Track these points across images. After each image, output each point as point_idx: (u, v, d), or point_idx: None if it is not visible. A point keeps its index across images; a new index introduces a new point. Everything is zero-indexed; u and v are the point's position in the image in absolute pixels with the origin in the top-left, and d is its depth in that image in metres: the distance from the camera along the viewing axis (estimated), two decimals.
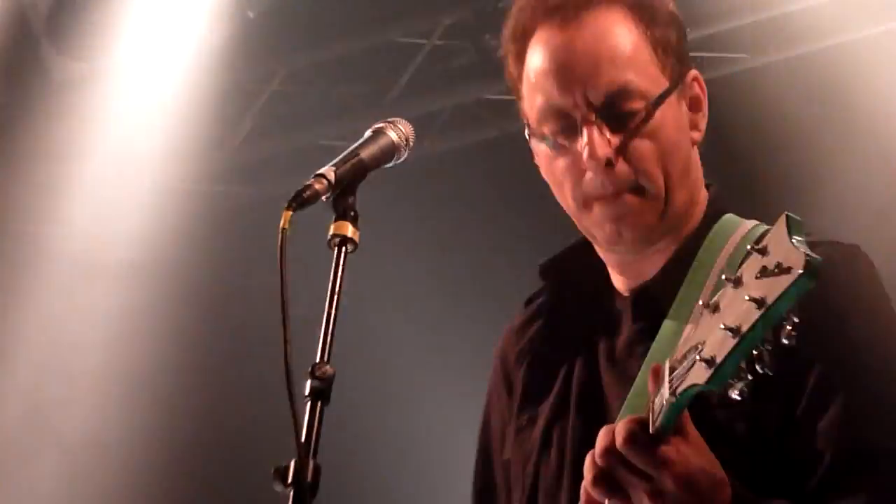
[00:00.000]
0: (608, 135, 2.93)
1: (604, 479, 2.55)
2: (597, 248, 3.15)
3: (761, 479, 2.81)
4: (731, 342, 2.23)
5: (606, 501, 2.58)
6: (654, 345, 2.88)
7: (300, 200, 2.69)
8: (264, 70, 8.42)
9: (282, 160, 8.13)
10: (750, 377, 2.26)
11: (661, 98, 2.98)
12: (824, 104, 7.86)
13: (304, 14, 7.92)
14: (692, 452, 2.54)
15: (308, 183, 2.74)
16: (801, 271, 2.14)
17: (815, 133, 7.81)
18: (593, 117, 2.95)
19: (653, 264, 3.07)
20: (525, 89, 3.09)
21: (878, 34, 7.94)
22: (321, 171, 2.78)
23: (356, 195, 2.80)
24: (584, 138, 2.94)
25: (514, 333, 3.30)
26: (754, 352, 2.23)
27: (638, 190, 2.95)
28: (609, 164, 2.91)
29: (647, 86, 2.98)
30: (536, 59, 3.06)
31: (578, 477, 2.76)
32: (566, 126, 2.99)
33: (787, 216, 2.26)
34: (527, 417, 3.16)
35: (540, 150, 3.06)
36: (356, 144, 2.91)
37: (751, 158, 7.82)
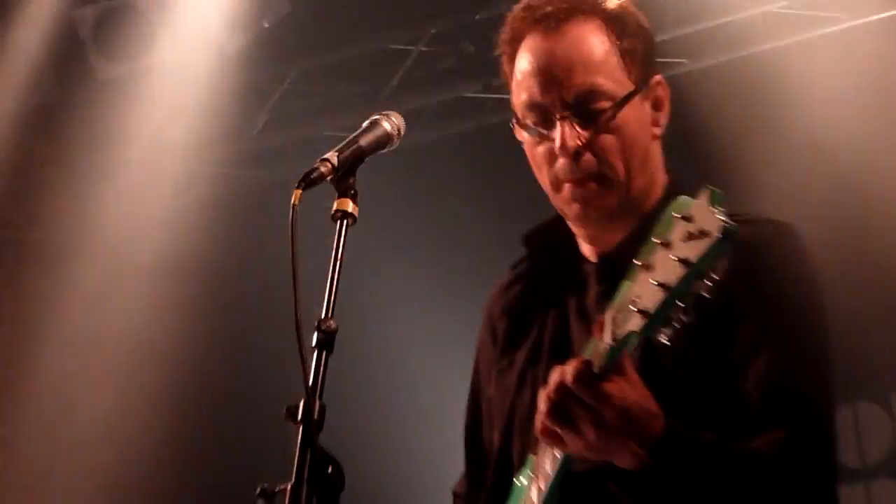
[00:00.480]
0: (578, 129, 3.01)
1: (556, 410, 2.60)
2: (568, 221, 3.21)
3: (699, 417, 2.82)
4: (661, 295, 2.34)
5: (558, 429, 2.62)
6: (615, 298, 2.72)
7: (308, 180, 2.78)
8: (277, 72, 8.47)
9: (292, 148, 8.18)
10: (677, 325, 2.37)
11: (625, 100, 3.04)
12: (754, 103, 7.77)
13: (311, 24, 7.96)
14: (629, 389, 2.59)
15: (315, 166, 2.82)
16: (718, 235, 2.27)
17: (747, 128, 7.73)
18: (566, 114, 3.02)
19: (615, 236, 3.12)
20: (514, 85, 3.17)
21: (799, 42, 7.82)
22: (326, 155, 2.85)
23: (356, 176, 2.89)
24: (558, 131, 3.02)
25: (500, 292, 3.39)
26: (681, 303, 2.33)
27: (601, 178, 3.04)
28: (577, 154, 3.01)
29: (613, 88, 3.04)
30: (523, 61, 3.12)
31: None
32: (544, 119, 3.06)
33: (710, 190, 2.36)
34: (507, 361, 3.23)
35: (524, 137, 3.13)
36: (355, 133, 3.00)
37: (690, 151, 7.69)
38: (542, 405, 2.63)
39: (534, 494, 2.81)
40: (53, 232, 8.73)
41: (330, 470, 2.55)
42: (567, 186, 3.04)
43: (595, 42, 3.09)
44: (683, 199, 2.72)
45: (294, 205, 2.71)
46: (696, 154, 7.66)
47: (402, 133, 3.05)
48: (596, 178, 3.02)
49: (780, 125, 7.74)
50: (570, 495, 2.80)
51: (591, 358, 2.56)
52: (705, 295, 2.33)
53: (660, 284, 2.33)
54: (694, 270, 2.30)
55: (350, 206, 2.81)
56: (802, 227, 7.46)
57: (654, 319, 2.35)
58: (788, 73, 7.85)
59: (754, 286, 2.64)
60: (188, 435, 8.03)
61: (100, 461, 8.04)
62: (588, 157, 3.00)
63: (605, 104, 3.02)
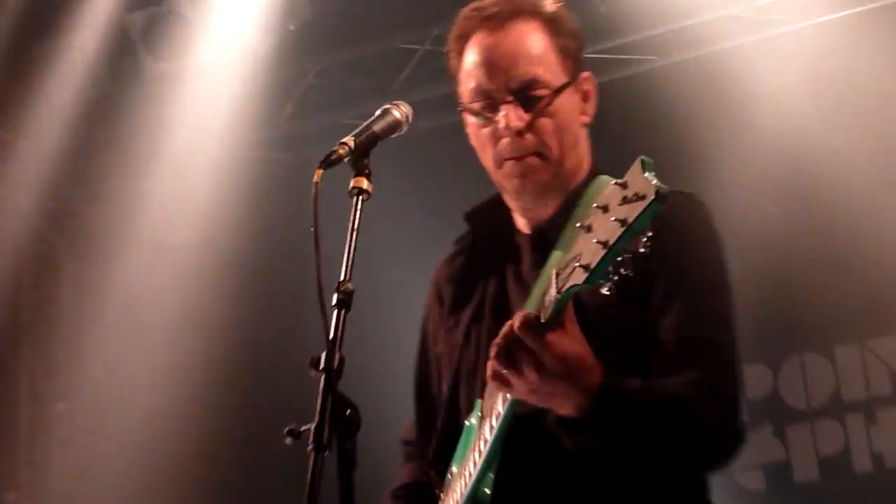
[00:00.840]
0: (520, 112, 3.08)
1: (503, 354, 2.60)
2: (505, 197, 3.27)
3: (624, 364, 2.84)
4: (602, 251, 2.32)
5: (504, 371, 2.62)
6: (546, 265, 2.86)
7: (328, 161, 2.82)
8: (301, 68, 8.47)
9: (315, 134, 8.13)
10: (615, 278, 2.35)
11: (561, 88, 3.13)
12: (716, 95, 7.76)
13: (330, 27, 8.02)
14: (570, 341, 2.60)
15: (334, 149, 2.85)
16: (653, 197, 2.24)
17: (709, 116, 7.72)
18: (510, 99, 3.09)
19: (546, 210, 3.18)
20: (462, 76, 3.23)
21: (753, 42, 7.81)
22: (344, 139, 2.88)
23: (369, 158, 2.91)
24: (503, 113, 3.08)
25: (445, 263, 3.43)
26: (619, 259, 2.32)
27: (539, 155, 3.10)
28: (519, 133, 3.07)
29: (550, 79, 3.12)
30: (472, 54, 3.18)
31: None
32: (490, 104, 3.13)
33: (642, 159, 2.32)
34: (453, 321, 3.26)
35: (470, 121, 3.21)
36: (370, 120, 3.01)
37: (658, 138, 7.70)
38: (492, 350, 2.64)
39: (486, 431, 2.83)
40: (110, 206, 8.74)
41: (348, 413, 2.56)
42: (509, 163, 3.09)
43: (535, 39, 3.15)
44: (605, 179, 2.80)
45: (316, 182, 2.75)
46: (664, 137, 7.67)
47: (411, 120, 3.08)
48: (535, 155, 3.07)
49: (739, 114, 7.74)
50: (517, 437, 2.82)
51: (538, 311, 2.58)
52: (642, 251, 2.32)
53: (599, 242, 2.31)
54: (631, 229, 2.27)
55: (365, 184, 2.83)
56: (759, 201, 7.49)
57: (596, 273, 2.33)
58: (745, 68, 7.93)
59: (666, 248, 2.55)
60: (227, 382, 8.01)
61: (146, 406, 8.04)
62: (529, 136, 3.06)
63: (544, 92, 3.09)
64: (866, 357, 8.05)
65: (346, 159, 2.84)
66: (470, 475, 2.85)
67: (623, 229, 2.27)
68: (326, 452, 2.53)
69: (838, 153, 7.51)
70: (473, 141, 3.24)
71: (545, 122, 3.08)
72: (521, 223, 3.24)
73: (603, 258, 2.31)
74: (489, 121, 3.12)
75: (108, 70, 8.37)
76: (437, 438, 3.17)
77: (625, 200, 2.29)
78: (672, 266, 2.88)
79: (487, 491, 2.82)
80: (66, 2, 7.89)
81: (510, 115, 3.07)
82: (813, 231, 7.70)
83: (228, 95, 8.28)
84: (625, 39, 8.18)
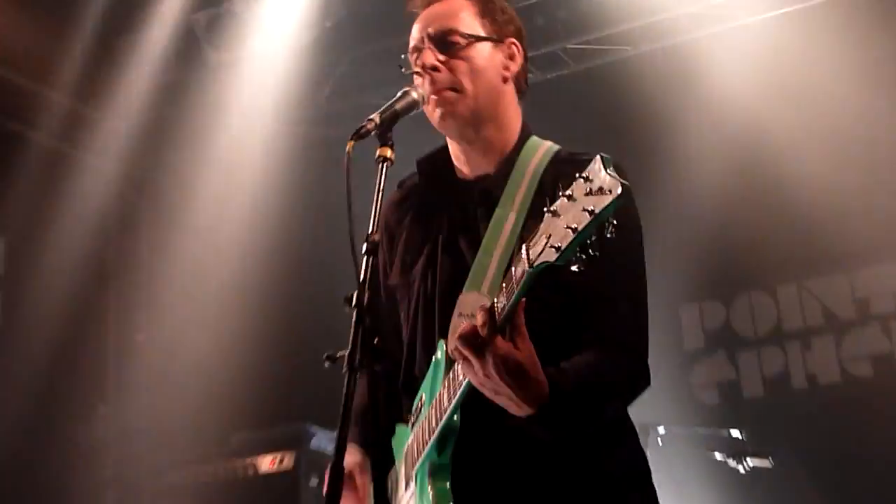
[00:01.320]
0: (436, 54, 3.04)
1: (463, 341, 2.49)
2: (449, 143, 3.22)
3: (569, 333, 2.83)
4: (572, 235, 2.25)
5: (464, 355, 2.51)
6: (492, 224, 2.95)
7: (359, 134, 2.80)
8: (337, 57, 8.38)
9: (348, 112, 8.01)
10: (583, 257, 2.28)
11: (475, 38, 3.07)
12: (679, 78, 7.76)
13: (359, 23, 7.99)
14: (516, 352, 2.48)
15: (363, 123, 2.82)
16: (619, 192, 2.20)
17: (673, 97, 7.68)
18: (429, 44, 3.05)
19: (487, 162, 3.11)
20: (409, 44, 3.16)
21: (710, 34, 7.77)
22: (371, 116, 2.84)
23: (392, 131, 2.86)
24: (421, 55, 3.06)
25: (394, 206, 3.30)
26: (586, 242, 2.27)
27: (454, 89, 3.02)
28: (435, 69, 3.01)
29: (467, 32, 3.06)
30: (415, 25, 3.15)
31: (444, 300, 3.00)
32: (417, 56, 3.07)
33: (602, 157, 2.28)
34: (410, 259, 3.16)
35: (416, 80, 3.05)
36: (392, 100, 2.94)
37: (631, 114, 7.68)
38: (457, 334, 2.53)
39: (458, 372, 2.64)
40: (179, 172, 8.77)
41: (375, 341, 2.55)
42: (432, 99, 3.01)
43: (459, 5, 3.10)
44: (551, 146, 3.10)
45: (348, 152, 2.74)
46: (636, 113, 7.65)
47: (426, 101, 3.01)
48: (450, 89, 3.00)
49: (698, 93, 7.71)
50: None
51: (507, 283, 2.48)
52: (608, 236, 2.27)
53: (569, 227, 2.24)
54: (597, 217, 2.22)
55: (389, 153, 2.80)
56: (715, 168, 7.49)
57: (565, 253, 2.26)
58: (703, 57, 7.87)
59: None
60: (277, 317, 8.05)
61: (210, 334, 8.07)
62: (444, 73, 3.00)
63: (459, 39, 3.04)
64: (802, 294, 8.08)
65: (373, 132, 2.80)
66: (442, 408, 2.72)
67: (591, 218, 2.23)
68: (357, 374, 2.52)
69: (781, 127, 7.55)
70: None
71: (458, 63, 3.02)
72: (466, 170, 3.17)
73: (573, 241, 2.25)
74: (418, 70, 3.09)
75: (177, 60, 8.37)
76: (404, 367, 3.09)
77: (590, 193, 2.24)
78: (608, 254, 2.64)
79: (457, 419, 2.71)
80: (144, 4, 7.94)
81: (426, 55, 3.04)
82: (760, 193, 7.74)
83: (276, 80, 8.24)
84: (602, 33, 8.06)
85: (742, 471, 6.49)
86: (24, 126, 8.32)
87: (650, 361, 2.90)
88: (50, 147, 8.34)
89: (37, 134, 8.32)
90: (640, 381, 2.87)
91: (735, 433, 6.65)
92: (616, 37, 8.12)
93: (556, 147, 3.08)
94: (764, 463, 6.50)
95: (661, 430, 6.31)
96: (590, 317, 2.86)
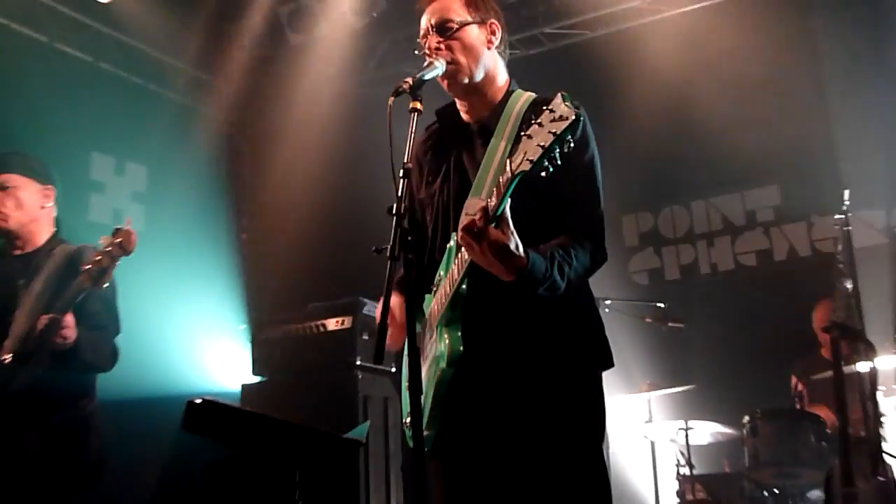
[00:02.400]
0: (437, 38, 2.98)
1: (467, 230, 2.53)
2: (457, 101, 3.15)
3: (543, 225, 2.82)
4: (541, 150, 2.31)
5: (467, 239, 2.55)
6: (488, 150, 2.90)
7: (397, 92, 2.72)
8: (381, 36, 8.33)
9: (390, 77, 7.96)
10: (550, 167, 2.34)
11: (464, 24, 3.02)
12: (625, 55, 7.66)
13: (396, 13, 7.80)
14: (502, 237, 2.51)
15: (400, 84, 2.74)
16: (573, 118, 2.29)
17: (622, 68, 7.61)
18: (431, 31, 3.00)
19: (483, 108, 3.07)
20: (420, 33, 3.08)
21: (649, 22, 7.66)
22: (406, 79, 2.77)
23: (421, 89, 2.77)
24: (429, 39, 3.00)
25: (422, 143, 3.21)
26: (552, 154, 2.32)
27: (452, 63, 2.97)
28: (437, 49, 2.96)
29: (459, 19, 3.00)
30: (422, 18, 3.06)
31: (455, 205, 2.97)
32: (427, 40, 3.01)
33: (562, 93, 2.35)
34: (431, 178, 3.11)
35: (425, 55, 3.00)
36: (420, 68, 2.89)
37: (589, 79, 7.58)
38: (461, 225, 2.58)
39: (464, 254, 2.66)
40: (270, 121, 8.68)
41: (409, 238, 2.54)
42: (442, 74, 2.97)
43: (453, 3, 3.02)
44: (531, 95, 3.03)
45: (390, 105, 2.68)
46: (592, 79, 7.56)
47: (445, 67, 2.95)
48: (450, 63, 2.94)
49: (639, 65, 7.63)
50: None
51: (496, 187, 2.50)
52: (566, 150, 2.34)
53: (539, 145, 2.31)
54: (558, 137, 2.29)
55: (418, 105, 2.72)
56: (651, 119, 7.44)
57: (536, 164, 2.32)
58: (644, 38, 7.78)
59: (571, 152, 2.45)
60: (337, 221, 8.02)
61: (295, 232, 8.10)
62: (445, 52, 2.95)
63: (453, 25, 2.97)
64: (708, 208, 8.04)
65: (407, 91, 2.73)
66: (454, 279, 2.74)
67: (553, 138, 2.29)
68: (398, 262, 2.52)
69: (698, 87, 7.44)
70: None
71: (454, 43, 2.96)
72: (467, 116, 3.11)
73: (541, 154, 2.31)
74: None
75: (268, 40, 8.35)
76: (428, 253, 3.06)
77: (553, 119, 2.31)
78: (574, 154, 2.60)
79: (465, 287, 2.72)
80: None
81: (430, 39, 2.98)
82: (680, 135, 7.68)
83: (338, 55, 8.16)
84: (570, 20, 8.04)
85: (663, 330, 6.54)
86: (160, 87, 8.32)
87: None
88: (178, 101, 8.36)
89: (169, 92, 8.32)
90: (598, 256, 2.86)
91: (659, 304, 6.68)
92: (580, 24, 8.07)
93: (535, 95, 3.05)
94: (679, 325, 6.54)
95: (608, 302, 6.34)
96: (562, 213, 2.85)
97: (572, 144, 2.34)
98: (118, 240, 3.74)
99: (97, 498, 4.34)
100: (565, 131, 2.30)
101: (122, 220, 3.80)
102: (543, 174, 2.36)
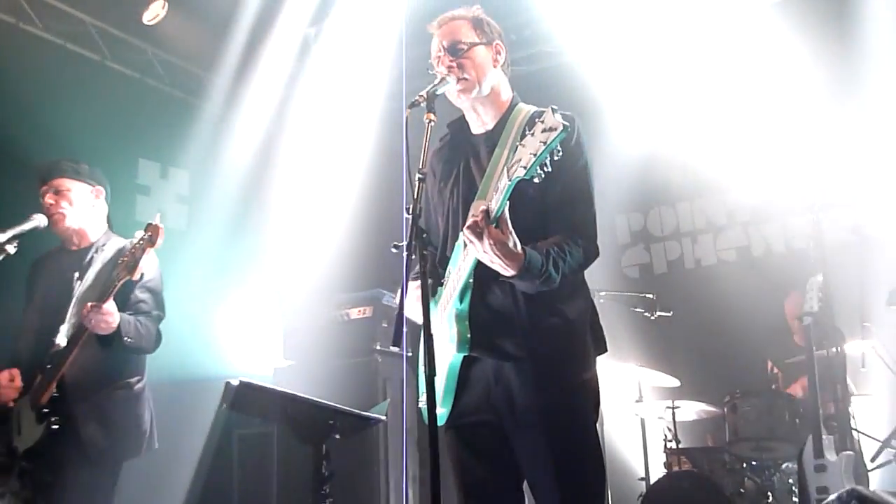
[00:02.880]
0: (448, 57, 2.97)
1: (470, 228, 2.57)
2: (464, 112, 3.13)
3: (539, 226, 2.83)
4: (533, 158, 2.36)
5: (470, 238, 2.59)
6: (493, 158, 2.91)
7: (413, 104, 2.75)
8: (397, 55, 8.02)
9: (409, 91, 7.66)
10: (542, 173, 2.38)
11: (472, 44, 3.00)
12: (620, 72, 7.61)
13: (413, 34, 7.51)
14: (501, 235, 2.55)
15: (415, 98, 2.77)
16: (560, 129, 2.33)
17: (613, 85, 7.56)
18: (443, 51, 2.99)
19: (489, 121, 3.06)
20: (431, 53, 3.07)
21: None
22: (421, 93, 2.79)
23: (434, 102, 2.79)
24: (441, 59, 2.99)
25: (436, 152, 3.19)
26: (543, 161, 2.36)
27: (463, 79, 2.96)
28: (450, 67, 2.95)
29: (468, 41, 3.00)
30: (433, 40, 3.06)
31: (463, 207, 2.96)
32: (438, 60, 3.01)
33: (552, 107, 2.39)
34: (443, 184, 3.10)
35: (437, 73, 3.00)
36: (433, 83, 2.90)
37: (586, 95, 7.52)
38: (467, 224, 2.60)
39: (471, 252, 2.67)
40: (299, 132, 8.51)
41: (424, 236, 2.58)
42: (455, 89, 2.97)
43: (461, 24, 3.04)
44: (533, 108, 3.00)
45: (406, 116, 2.70)
46: (589, 93, 7.54)
47: (454, 83, 2.96)
48: (461, 79, 2.94)
49: (632, 88, 7.61)
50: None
51: (493, 192, 2.55)
52: (555, 158, 2.37)
53: (531, 153, 2.36)
54: (547, 147, 2.34)
55: (433, 116, 2.73)
56: (640, 125, 7.34)
57: (529, 170, 2.37)
58: (634, 61, 7.69)
59: (563, 148, 2.48)
60: (364, 219, 7.95)
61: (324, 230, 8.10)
62: (456, 70, 2.94)
63: (463, 46, 2.97)
64: (693, 208, 8.02)
65: (422, 104, 2.75)
66: (461, 273, 2.76)
67: (543, 147, 2.34)
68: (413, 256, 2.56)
69: (680, 103, 7.42)
70: None
71: (464, 62, 2.96)
72: (475, 127, 3.10)
73: (533, 162, 2.36)
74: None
75: (296, 58, 8.31)
76: (440, 251, 3.05)
77: (544, 130, 2.35)
78: (564, 168, 2.70)
79: (471, 280, 2.74)
80: (275, 20, 7.82)
81: (443, 59, 2.98)
82: (667, 144, 7.66)
83: (361, 71, 8.08)
84: (563, 40, 8.00)
85: (651, 318, 6.53)
86: (198, 99, 8.32)
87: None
88: (216, 112, 8.34)
89: (206, 103, 8.32)
90: (590, 252, 2.87)
91: (649, 295, 6.66)
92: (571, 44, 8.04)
93: (535, 108, 3.05)
94: (667, 314, 6.53)
95: (603, 293, 6.33)
96: (558, 213, 2.85)
97: (561, 152, 2.39)
98: (149, 234, 3.85)
99: (147, 466, 4.42)
100: (554, 141, 2.34)
101: (166, 221, 3.87)
102: (536, 180, 2.40)
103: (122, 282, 3.83)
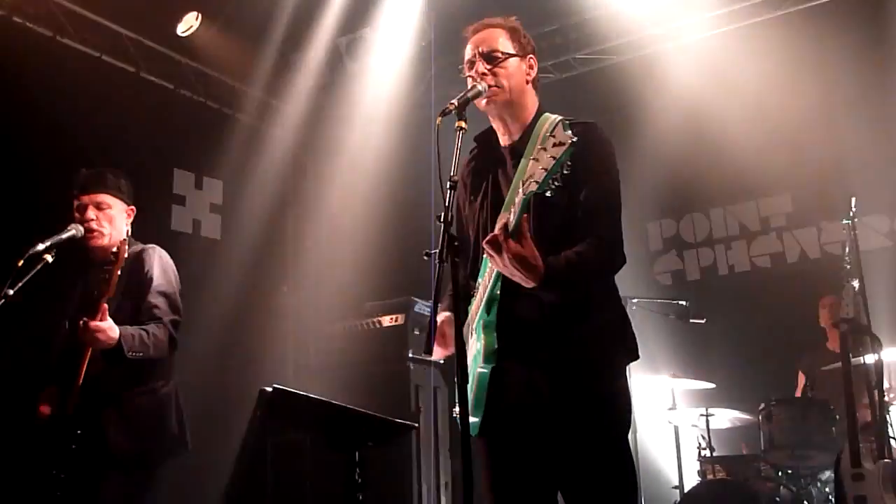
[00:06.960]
0: (484, 64, 2.96)
1: (490, 243, 2.56)
2: (491, 123, 3.11)
3: (565, 227, 2.82)
4: (544, 173, 2.37)
5: (491, 252, 2.58)
6: (519, 170, 2.86)
7: (444, 112, 2.72)
8: (428, 64, 8.17)
9: (437, 99, 7.85)
10: (554, 187, 2.39)
11: (509, 55, 3.00)
12: (650, 76, 7.59)
13: (441, 42, 7.77)
14: (520, 248, 2.54)
15: (446, 106, 2.74)
16: (569, 144, 2.35)
17: (647, 89, 7.56)
18: (479, 58, 2.98)
19: (516, 132, 3.04)
20: (465, 58, 3.05)
21: (671, 47, 7.59)
22: (452, 101, 2.77)
23: (465, 111, 2.78)
24: (474, 65, 2.98)
25: (466, 164, 3.17)
26: (554, 176, 2.37)
27: (497, 86, 2.94)
28: (484, 75, 2.94)
29: (504, 51, 2.99)
30: (467, 46, 3.03)
31: (493, 220, 2.92)
32: (471, 64, 3.00)
33: (562, 121, 2.44)
34: (473, 197, 3.09)
35: (468, 80, 2.98)
36: (464, 91, 2.87)
37: (616, 99, 7.53)
38: (487, 240, 2.60)
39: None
40: (331, 138, 8.61)
41: (455, 243, 2.53)
42: (483, 95, 2.94)
43: (498, 33, 3.02)
44: (557, 117, 2.95)
45: (437, 124, 2.68)
46: (620, 99, 7.53)
47: (486, 91, 2.92)
48: (494, 86, 2.92)
49: (662, 86, 7.59)
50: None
51: (511, 206, 2.55)
52: (566, 172, 2.38)
53: (543, 168, 2.37)
54: (557, 161, 2.36)
55: (463, 124, 2.74)
56: (672, 136, 7.38)
57: (541, 185, 2.37)
58: (665, 62, 7.71)
59: (584, 157, 2.57)
60: (390, 228, 7.99)
61: (354, 239, 8.10)
62: (490, 77, 2.93)
63: (499, 55, 2.96)
64: (726, 214, 7.99)
65: (452, 111, 2.73)
66: (487, 285, 2.78)
67: (553, 161, 2.36)
68: (446, 263, 2.53)
69: (716, 106, 7.38)
70: None
71: (499, 70, 2.95)
72: (503, 140, 3.08)
73: (545, 176, 2.37)
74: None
75: (328, 68, 8.38)
76: (470, 263, 3.04)
77: (555, 145, 2.37)
78: (587, 166, 2.73)
79: (497, 292, 2.76)
80: (306, 31, 7.87)
81: (478, 65, 2.97)
82: (700, 149, 7.59)
83: (391, 80, 8.14)
84: (599, 47, 8.00)
85: (685, 326, 6.48)
86: (233, 110, 8.41)
87: (629, 260, 2.85)
88: (249, 123, 8.43)
89: (241, 115, 8.41)
90: (617, 259, 2.84)
91: (682, 303, 6.62)
92: (608, 49, 8.02)
93: (560, 117, 2.99)
94: (700, 321, 6.48)
95: (635, 301, 6.29)
96: (583, 222, 2.81)
97: (569, 164, 2.40)
98: (115, 249, 3.94)
99: (181, 474, 4.43)
100: (563, 155, 2.36)
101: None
102: (549, 193, 2.42)
103: (105, 298, 3.83)
